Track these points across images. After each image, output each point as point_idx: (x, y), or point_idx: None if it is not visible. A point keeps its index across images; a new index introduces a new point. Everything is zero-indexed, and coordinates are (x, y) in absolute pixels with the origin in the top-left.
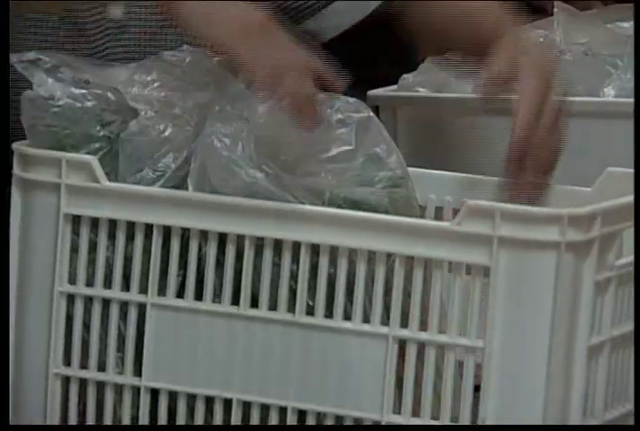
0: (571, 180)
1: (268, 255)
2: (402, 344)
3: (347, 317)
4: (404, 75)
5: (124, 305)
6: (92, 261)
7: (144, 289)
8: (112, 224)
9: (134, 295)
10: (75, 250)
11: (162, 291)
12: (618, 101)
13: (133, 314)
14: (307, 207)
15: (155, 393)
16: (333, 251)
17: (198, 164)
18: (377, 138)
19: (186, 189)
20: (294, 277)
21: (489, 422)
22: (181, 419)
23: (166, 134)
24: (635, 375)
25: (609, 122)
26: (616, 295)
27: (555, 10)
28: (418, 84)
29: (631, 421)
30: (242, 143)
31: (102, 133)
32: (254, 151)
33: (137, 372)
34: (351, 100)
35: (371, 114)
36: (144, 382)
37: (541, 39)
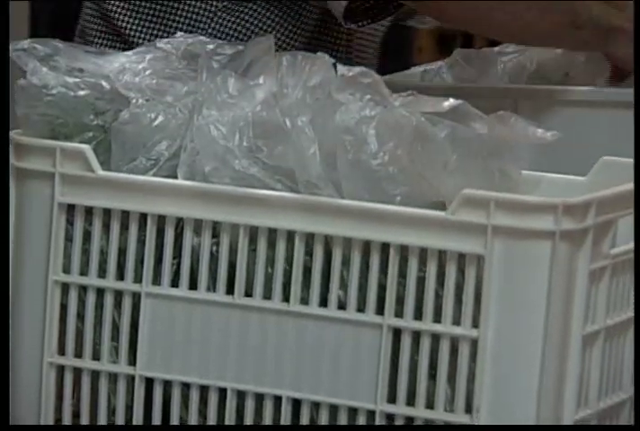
0: (565, 168)
1: (262, 244)
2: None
3: (341, 306)
4: (426, 67)
5: (118, 294)
6: (86, 250)
7: (138, 278)
8: (107, 213)
9: (128, 285)
10: (69, 239)
11: (156, 280)
12: (613, 90)
13: (127, 303)
14: (301, 196)
15: (149, 382)
16: (328, 241)
17: (188, 152)
18: None
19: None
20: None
21: (483, 411)
22: (175, 409)
23: (158, 122)
24: (635, 375)
25: (604, 111)
26: (610, 284)
27: None
28: (442, 76)
29: (625, 411)
30: (239, 132)
31: (95, 122)
32: (252, 141)
33: (132, 361)
34: None
35: None
36: (138, 371)
37: None
